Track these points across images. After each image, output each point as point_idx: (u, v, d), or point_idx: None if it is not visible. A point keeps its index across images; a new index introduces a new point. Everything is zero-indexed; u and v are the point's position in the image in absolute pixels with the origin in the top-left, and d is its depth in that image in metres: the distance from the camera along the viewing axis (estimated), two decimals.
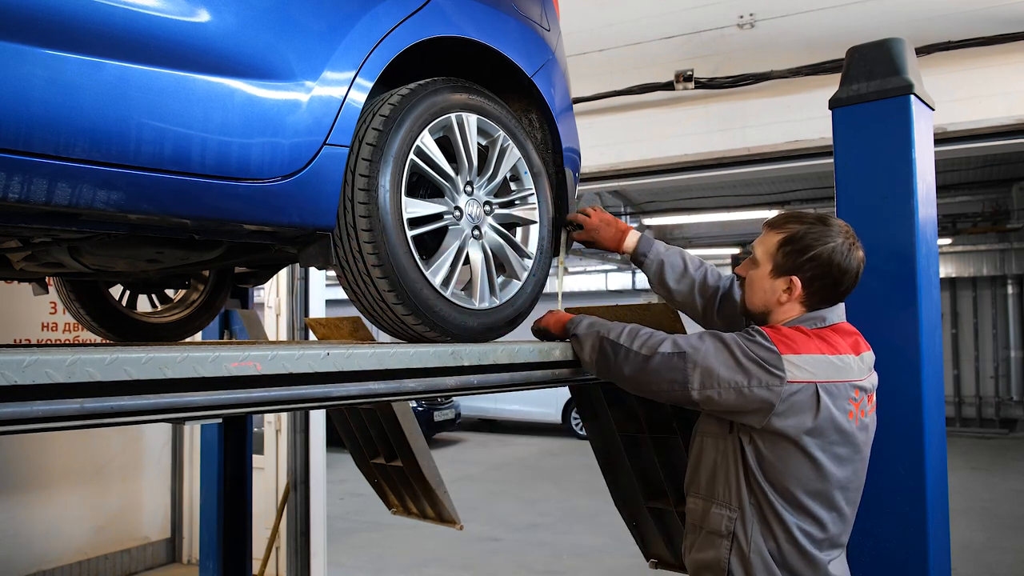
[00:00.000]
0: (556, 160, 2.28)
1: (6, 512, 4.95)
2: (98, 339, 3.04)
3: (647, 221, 14.40)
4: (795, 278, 1.79)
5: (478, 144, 1.98)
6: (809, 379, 1.69)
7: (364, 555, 6.72)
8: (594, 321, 1.95)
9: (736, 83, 4.96)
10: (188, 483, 6.10)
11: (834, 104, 2.23)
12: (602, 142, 5.37)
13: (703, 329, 2.04)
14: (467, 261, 1.93)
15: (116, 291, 3.04)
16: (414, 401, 9.02)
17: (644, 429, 2.76)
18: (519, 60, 2.10)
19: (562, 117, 2.28)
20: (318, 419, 5.44)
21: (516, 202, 2.10)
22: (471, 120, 1.94)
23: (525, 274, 2.08)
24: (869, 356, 1.86)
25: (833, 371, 1.72)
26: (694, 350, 1.75)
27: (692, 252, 2.27)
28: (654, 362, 1.77)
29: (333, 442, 5.34)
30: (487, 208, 2.00)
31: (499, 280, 2.04)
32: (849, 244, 1.79)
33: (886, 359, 1.96)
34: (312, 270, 5.45)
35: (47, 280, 2.99)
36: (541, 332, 2.11)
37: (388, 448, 3.73)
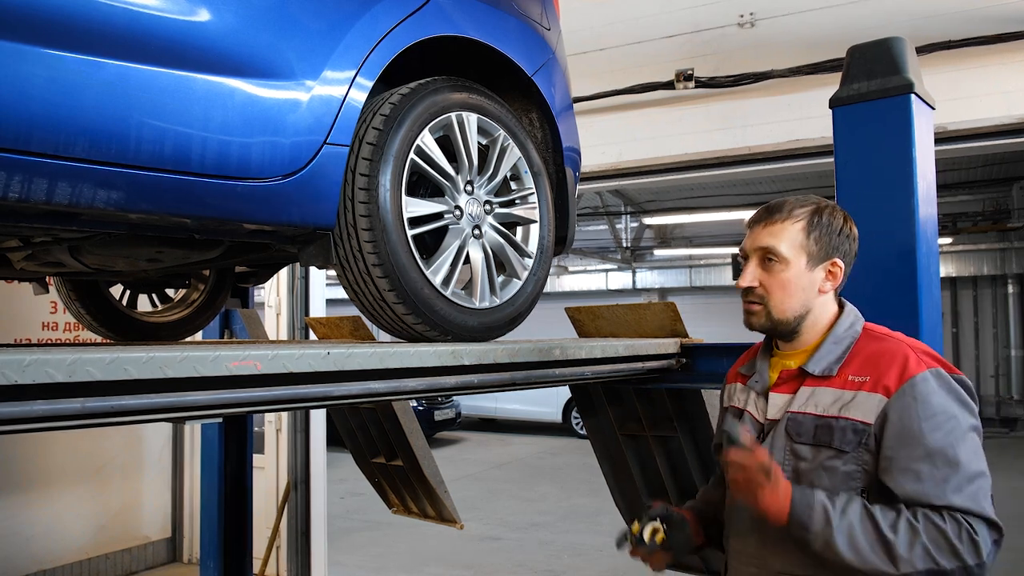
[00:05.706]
0: (556, 159, 2.28)
1: (6, 512, 4.95)
2: (98, 338, 3.04)
3: (647, 220, 14.39)
4: (836, 259, 1.63)
5: (478, 143, 1.98)
6: None
7: (365, 554, 6.72)
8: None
9: (736, 82, 4.96)
10: (188, 482, 6.09)
11: (834, 103, 2.22)
12: (602, 141, 5.36)
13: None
14: (467, 260, 1.93)
15: (116, 291, 3.04)
16: (414, 400, 9.02)
17: (645, 428, 2.76)
18: (519, 59, 2.10)
19: (562, 116, 2.28)
20: (319, 418, 5.44)
21: (516, 201, 2.10)
22: (471, 119, 1.94)
23: (525, 273, 2.07)
24: None
25: None
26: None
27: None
28: None
29: (333, 441, 5.34)
30: (487, 207, 2.00)
31: (499, 279, 2.04)
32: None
33: None
34: (312, 269, 5.45)
35: (47, 279, 2.99)
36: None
37: (388, 447, 3.73)
